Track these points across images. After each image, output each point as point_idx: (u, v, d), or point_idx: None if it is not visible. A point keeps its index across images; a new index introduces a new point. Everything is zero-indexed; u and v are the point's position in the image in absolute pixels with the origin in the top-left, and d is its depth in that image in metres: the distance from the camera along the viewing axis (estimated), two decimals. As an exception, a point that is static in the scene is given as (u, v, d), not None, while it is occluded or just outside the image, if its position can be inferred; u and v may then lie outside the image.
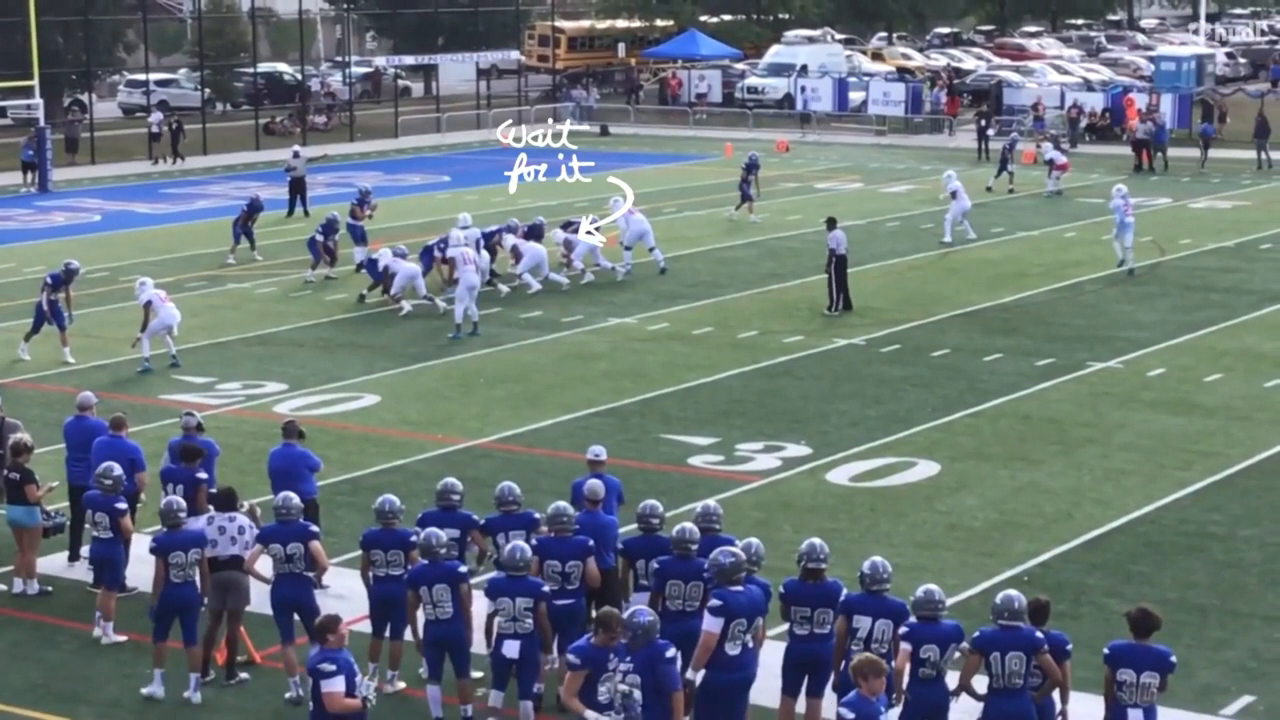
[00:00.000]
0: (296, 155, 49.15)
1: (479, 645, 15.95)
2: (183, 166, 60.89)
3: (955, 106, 72.09)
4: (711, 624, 14.30)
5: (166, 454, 19.72)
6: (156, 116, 63.53)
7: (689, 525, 15.76)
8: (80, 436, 20.21)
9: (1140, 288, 37.35)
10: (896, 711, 14.33)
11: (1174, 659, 13.88)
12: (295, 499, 17.09)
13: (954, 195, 43.25)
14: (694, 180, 55.99)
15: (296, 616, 16.64)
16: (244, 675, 16.97)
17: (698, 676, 14.24)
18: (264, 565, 17.10)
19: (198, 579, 16.69)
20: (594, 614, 16.77)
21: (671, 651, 13.47)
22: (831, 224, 35.17)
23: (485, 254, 36.13)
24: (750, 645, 14.54)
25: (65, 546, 20.31)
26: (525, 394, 28.31)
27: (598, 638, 13.57)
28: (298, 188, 48.16)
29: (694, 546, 15.53)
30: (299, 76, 76.81)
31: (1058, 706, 14.17)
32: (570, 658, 13.71)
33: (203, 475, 18.68)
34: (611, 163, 60.87)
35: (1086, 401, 27.72)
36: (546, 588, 15.57)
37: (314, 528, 16.94)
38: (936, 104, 73.91)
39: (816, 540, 15.17)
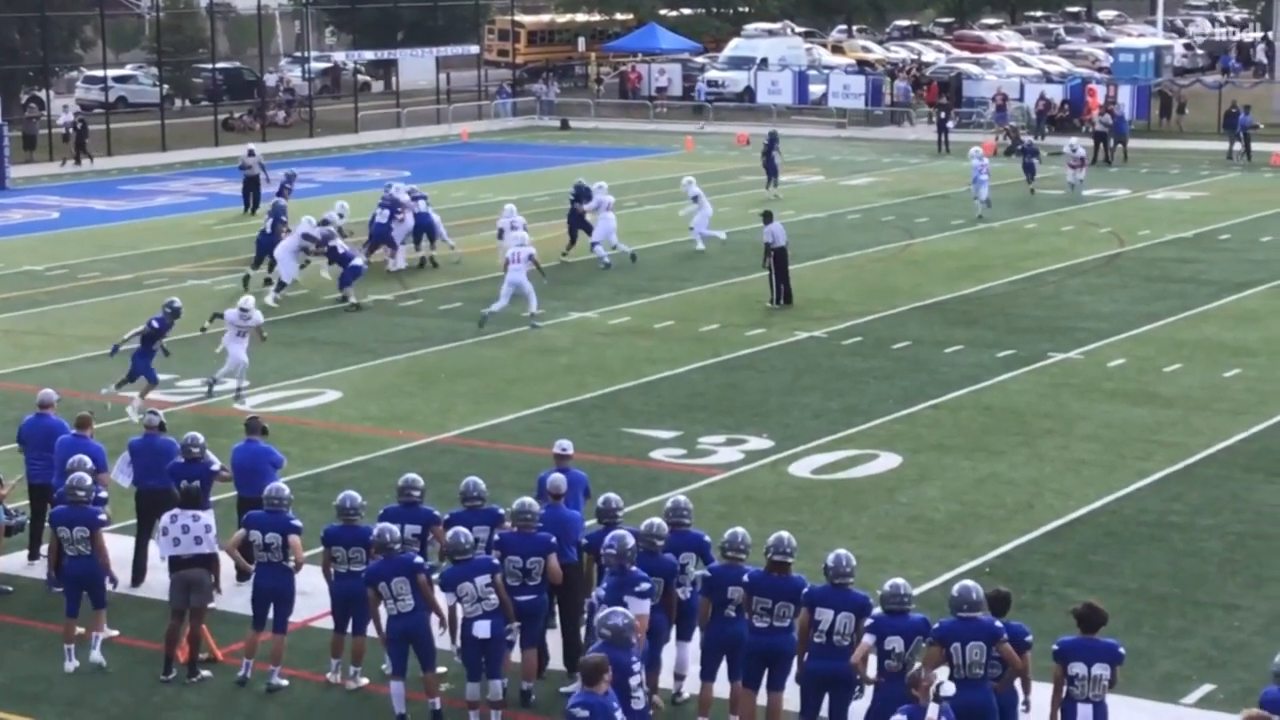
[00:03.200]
0: (251, 154, 48.69)
1: (445, 641, 15.97)
2: (93, 167, 59.75)
3: (934, 93, 71.80)
4: (643, 606, 14.67)
5: (127, 452, 19.61)
6: (67, 117, 62.74)
7: (657, 521, 15.77)
8: (40, 435, 20.04)
9: (1100, 279, 37.50)
10: (865, 704, 14.36)
11: (1123, 650, 13.93)
12: (286, 490, 17.16)
13: (695, 200, 41.45)
14: (655, 174, 55.94)
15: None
16: (206, 673, 16.93)
17: None
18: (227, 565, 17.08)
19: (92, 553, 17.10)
20: (556, 609, 16.86)
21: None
22: (768, 217, 35.33)
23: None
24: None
25: (25, 545, 20.20)
26: (487, 389, 28.27)
27: None
28: (251, 185, 47.75)
29: (660, 542, 15.54)
30: (257, 72, 76.53)
31: (1020, 697, 14.21)
32: None
33: (215, 466, 18.70)
34: (572, 157, 60.93)
35: (1047, 392, 27.81)
36: (496, 561, 15.72)
37: (297, 522, 16.89)
38: (906, 95, 74.05)
39: (784, 533, 15.21)
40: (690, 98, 78.44)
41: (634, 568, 14.92)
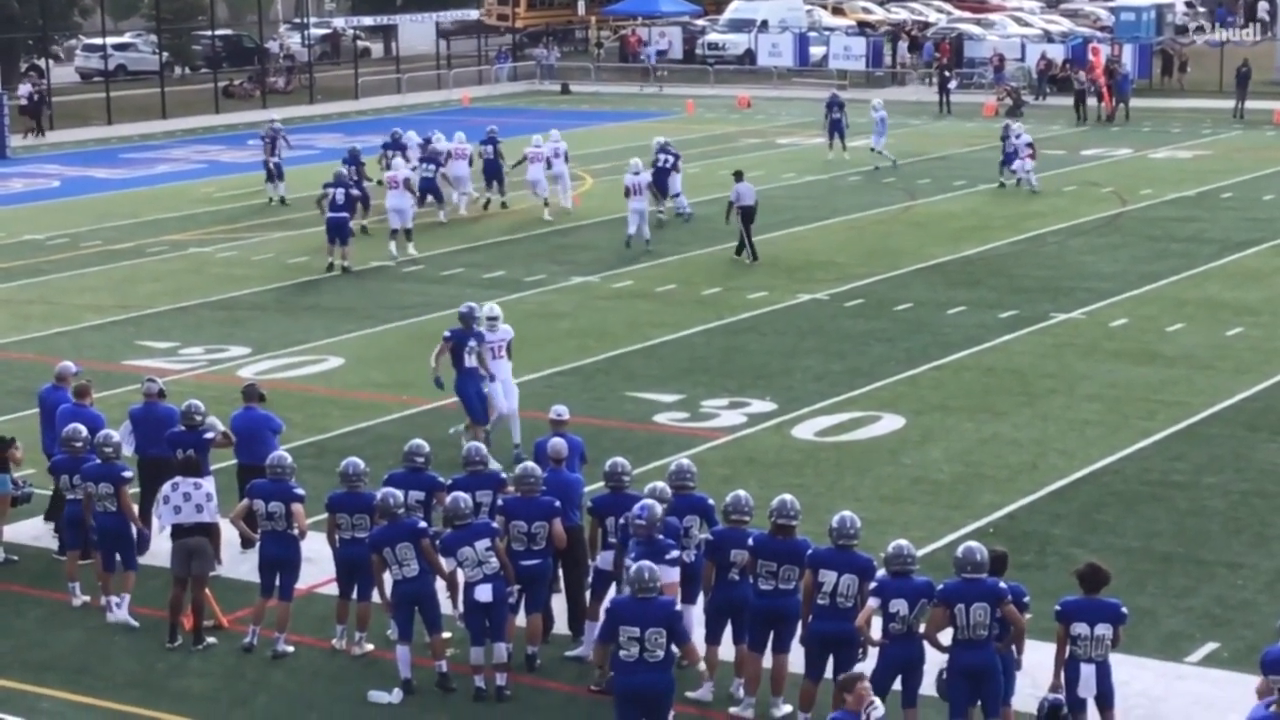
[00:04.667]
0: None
1: (448, 606, 16.02)
2: (46, 140, 58.75)
3: (947, 51, 71.21)
4: (674, 575, 14.78)
5: (128, 420, 19.61)
6: (25, 89, 61.95)
7: (660, 484, 15.78)
8: (56, 405, 20.00)
9: (1102, 238, 37.47)
10: (869, 665, 14.38)
11: (1125, 610, 13.96)
12: (288, 458, 17.19)
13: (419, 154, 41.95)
14: (656, 138, 55.74)
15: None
16: (211, 640, 16.96)
17: None
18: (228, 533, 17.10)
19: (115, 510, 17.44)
20: (560, 573, 16.89)
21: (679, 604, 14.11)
22: (739, 177, 35.83)
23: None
24: None
25: (29, 515, 20.19)
26: (490, 354, 28.22)
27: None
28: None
29: (664, 505, 15.53)
30: (257, 39, 76.39)
31: (1014, 656, 14.23)
32: None
33: (209, 435, 18.73)
34: (573, 121, 60.78)
35: (1050, 353, 27.81)
36: (495, 525, 15.77)
37: (299, 490, 16.91)
38: (930, 56, 73.61)
39: (788, 497, 15.21)
40: (693, 59, 78.22)
41: (661, 536, 14.91)
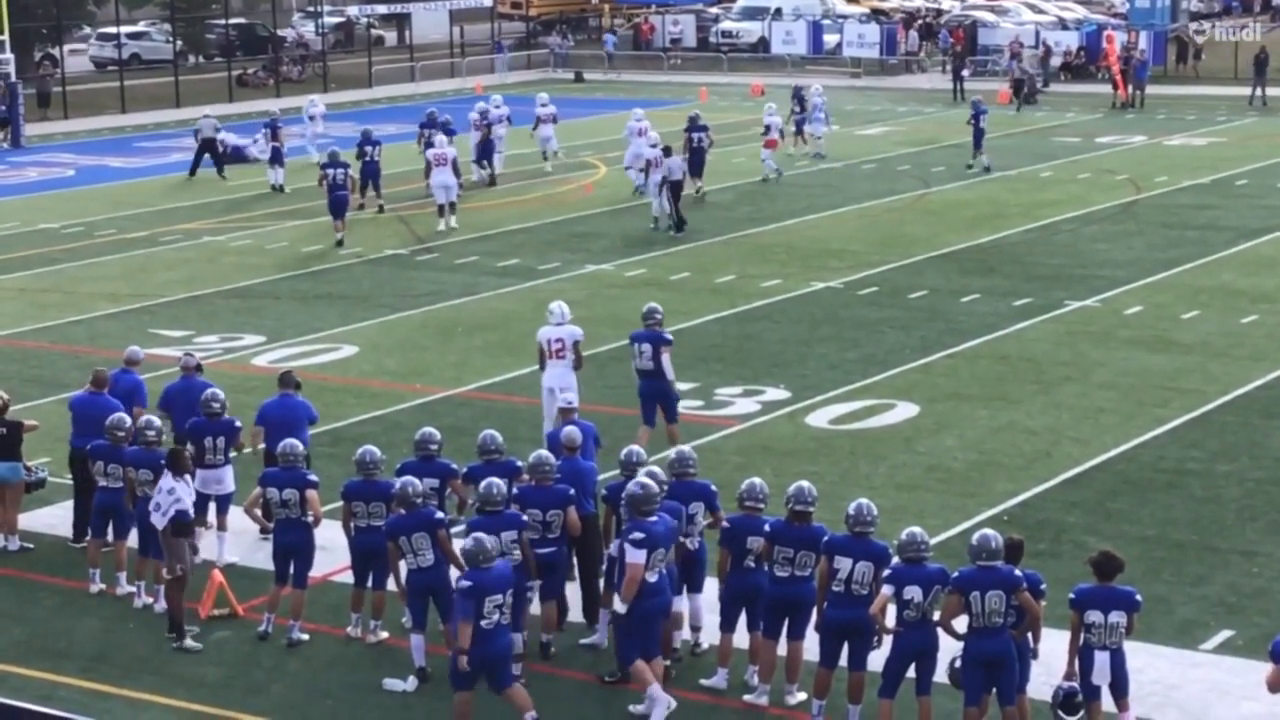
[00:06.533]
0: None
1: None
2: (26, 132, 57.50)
3: (961, 39, 70.95)
4: (635, 555, 14.62)
5: (162, 397, 19.64)
6: None
7: (655, 468, 15.77)
8: (132, 388, 19.96)
9: (1117, 226, 37.42)
10: (883, 653, 14.39)
11: (1139, 598, 13.95)
12: (299, 445, 17.23)
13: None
14: (669, 126, 55.71)
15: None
16: (224, 631, 16.99)
17: (624, 609, 14.68)
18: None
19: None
20: (575, 561, 16.89)
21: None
22: (667, 152, 37.45)
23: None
24: (664, 573, 14.94)
25: (45, 502, 20.26)
26: (503, 342, 28.28)
27: None
28: (207, 148, 46.61)
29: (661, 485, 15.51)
30: (271, 27, 76.41)
31: (1030, 645, 14.22)
32: None
33: (240, 425, 18.82)
34: (587, 109, 60.74)
35: (1064, 340, 27.78)
36: (525, 518, 15.76)
37: (312, 476, 16.94)
38: (945, 42, 73.25)
39: (805, 483, 15.21)
40: (707, 47, 78.12)
41: (651, 519, 14.82)
